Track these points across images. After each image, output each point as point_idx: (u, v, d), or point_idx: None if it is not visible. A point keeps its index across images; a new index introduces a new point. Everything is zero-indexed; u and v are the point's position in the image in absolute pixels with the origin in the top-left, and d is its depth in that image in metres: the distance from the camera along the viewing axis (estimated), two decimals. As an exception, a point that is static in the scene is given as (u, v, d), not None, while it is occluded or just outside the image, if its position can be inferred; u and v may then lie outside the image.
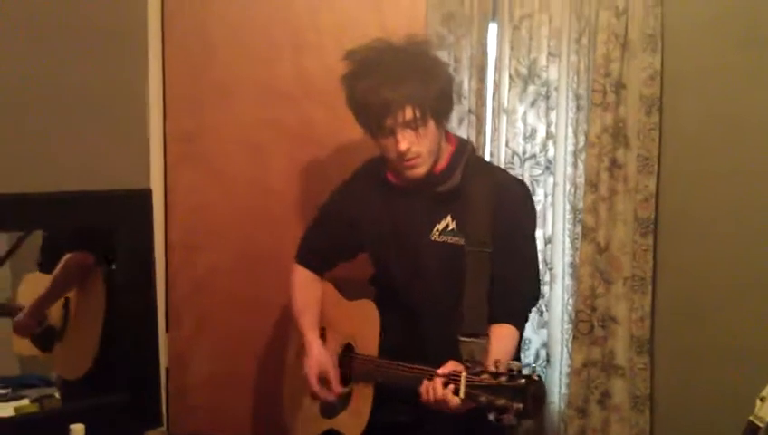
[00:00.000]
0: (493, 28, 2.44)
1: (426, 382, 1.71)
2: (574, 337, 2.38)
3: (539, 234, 2.45)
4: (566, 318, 2.45)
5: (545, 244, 2.45)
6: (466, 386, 1.61)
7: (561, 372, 2.46)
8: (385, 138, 1.88)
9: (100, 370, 2.16)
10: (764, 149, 2.20)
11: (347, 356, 2.06)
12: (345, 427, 2.02)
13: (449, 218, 1.92)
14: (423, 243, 1.94)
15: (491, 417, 1.54)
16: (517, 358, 1.95)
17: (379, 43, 1.90)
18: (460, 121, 2.45)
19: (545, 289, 2.46)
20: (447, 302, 1.87)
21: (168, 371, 2.56)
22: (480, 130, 2.46)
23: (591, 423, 2.37)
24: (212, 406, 2.60)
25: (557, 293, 2.45)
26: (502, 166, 2.43)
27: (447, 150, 1.95)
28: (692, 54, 2.27)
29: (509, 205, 1.91)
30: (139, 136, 2.38)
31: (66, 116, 2.20)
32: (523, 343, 2.50)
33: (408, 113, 1.83)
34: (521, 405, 1.51)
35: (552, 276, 2.44)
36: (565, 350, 2.45)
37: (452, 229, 1.92)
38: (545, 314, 2.48)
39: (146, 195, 2.31)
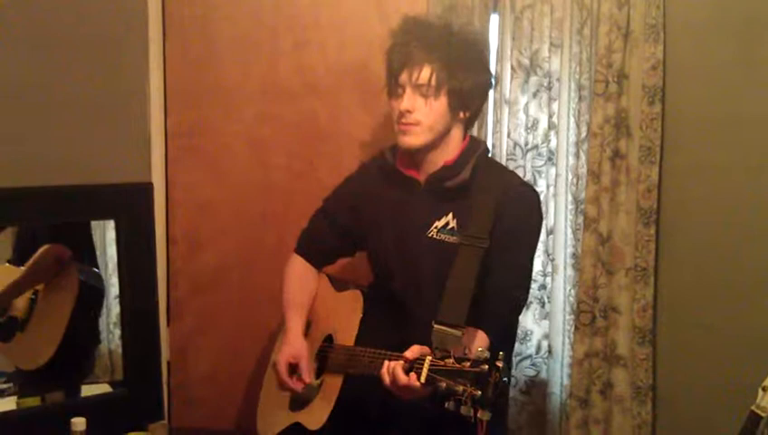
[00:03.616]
0: (494, 19, 2.43)
1: (386, 363, 1.65)
2: (576, 328, 2.38)
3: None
4: (568, 309, 2.45)
5: (547, 235, 2.45)
6: (429, 370, 1.55)
7: (562, 363, 2.46)
8: (397, 98, 1.89)
9: (62, 362, 2.15)
10: (767, 140, 2.20)
11: (325, 348, 2.02)
12: (307, 419, 1.97)
13: (450, 216, 1.89)
14: (420, 239, 1.91)
15: (448, 405, 1.48)
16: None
17: (440, 19, 1.96)
18: (462, 113, 2.44)
19: (547, 280, 2.46)
20: (436, 303, 1.75)
21: (169, 364, 2.55)
22: (482, 121, 2.45)
23: (593, 414, 2.37)
24: (213, 399, 2.60)
25: (559, 283, 2.44)
26: (504, 157, 2.43)
27: (460, 145, 1.94)
28: (694, 44, 2.26)
29: (515, 207, 1.87)
30: (140, 130, 2.37)
31: (67, 110, 2.19)
32: (524, 334, 2.51)
33: (425, 75, 1.84)
34: (478, 392, 1.44)
35: (553, 267, 2.44)
36: (567, 340, 2.45)
37: (451, 228, 1.88)
38: (547, 305, 2.48)
39: (147, 188, 2.31)
